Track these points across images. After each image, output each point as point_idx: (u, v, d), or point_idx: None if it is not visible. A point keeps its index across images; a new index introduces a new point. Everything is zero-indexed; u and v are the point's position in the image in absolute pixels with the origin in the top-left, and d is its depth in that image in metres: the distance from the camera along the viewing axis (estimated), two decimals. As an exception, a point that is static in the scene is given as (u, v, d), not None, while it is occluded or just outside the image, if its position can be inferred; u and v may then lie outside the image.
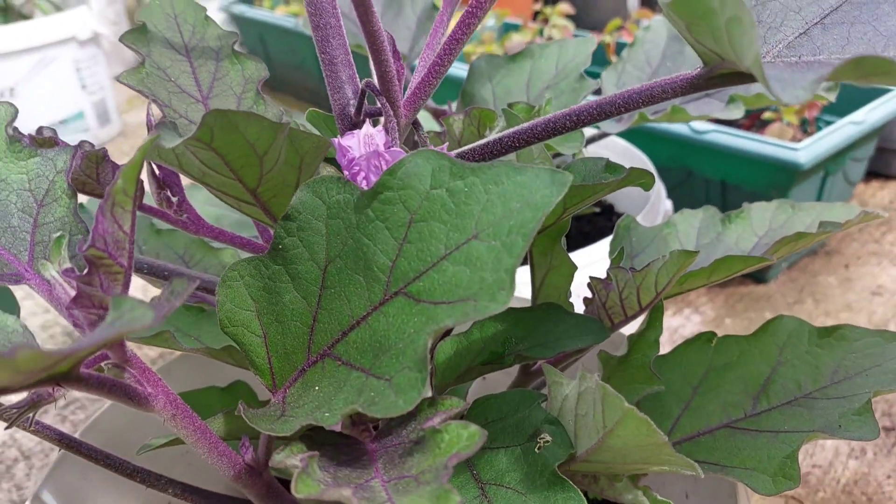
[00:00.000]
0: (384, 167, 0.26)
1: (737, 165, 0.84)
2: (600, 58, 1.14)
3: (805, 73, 0.17)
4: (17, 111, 0.26)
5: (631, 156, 0.71)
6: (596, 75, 0.63)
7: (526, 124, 0.27)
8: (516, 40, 1.11)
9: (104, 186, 0.29)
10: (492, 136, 0.28)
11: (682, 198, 0.90)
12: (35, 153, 0.26)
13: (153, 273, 0.33)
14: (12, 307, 0.32)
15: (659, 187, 0.64)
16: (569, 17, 1.22)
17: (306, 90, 1.58)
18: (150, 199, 0.35)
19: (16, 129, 0.26)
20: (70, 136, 1.45)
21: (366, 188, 0.26)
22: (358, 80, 0.32)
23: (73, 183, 0.27)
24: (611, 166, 0.31)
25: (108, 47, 1.63)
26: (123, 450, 0.35)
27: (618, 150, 0.75)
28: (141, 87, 0.33)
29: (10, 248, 0.25)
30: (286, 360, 0.28)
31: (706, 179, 0.88)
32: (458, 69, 1.06)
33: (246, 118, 0.24)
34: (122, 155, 1.44)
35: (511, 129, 0.28)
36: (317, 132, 0.41)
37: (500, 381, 0.42)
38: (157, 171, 0.31)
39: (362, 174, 0.26)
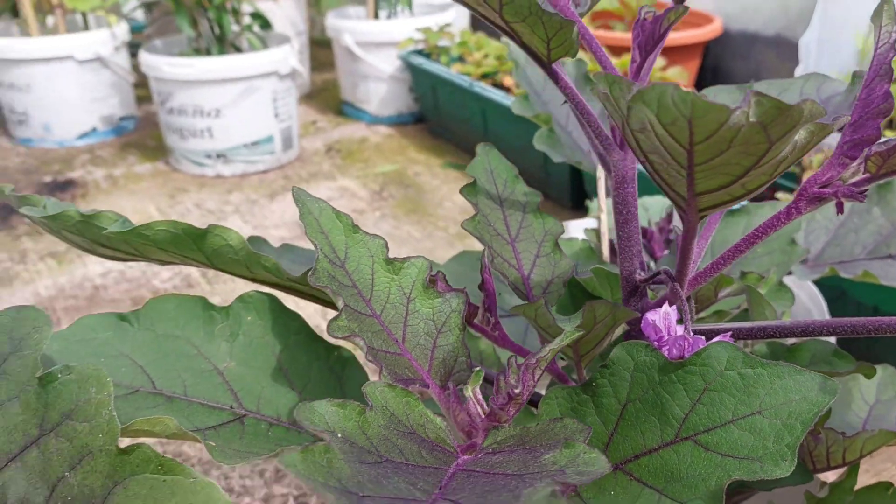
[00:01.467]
0: (686, 346, 0.36)
1: (892, 295, 0.89)
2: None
3: None
4: (430, 266, 0.38)
5: (800, 286, 0.78)
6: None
7: (788, 323, 0.36)
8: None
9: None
10: (759, 323, 0.38)
11: (832, 315, 0.96)
12: (439, 295, 0.37)
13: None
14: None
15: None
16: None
17: (467, 141, 1.72)
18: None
19: (430, 276, 0.37)
20: (259, 157, 1.63)
21: (667, 358, 0.36)
22: (643, 254, 0.42)
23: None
24: (838, 353, 0.39)
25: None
26: None
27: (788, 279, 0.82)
28: (476, 232, 0.44)
29: (417, 359, 0.36)
30: (581, 464, 0.38)
31: (858, 302, 0.93)
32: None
33: (604, 306, 0.34)
34: (300, 179, 1.61)
35: (774, 323, 0.37)
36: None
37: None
38: (486, 302, 0.42)
39: (667, 347, 0.36)
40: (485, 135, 1.61)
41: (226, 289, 1.17)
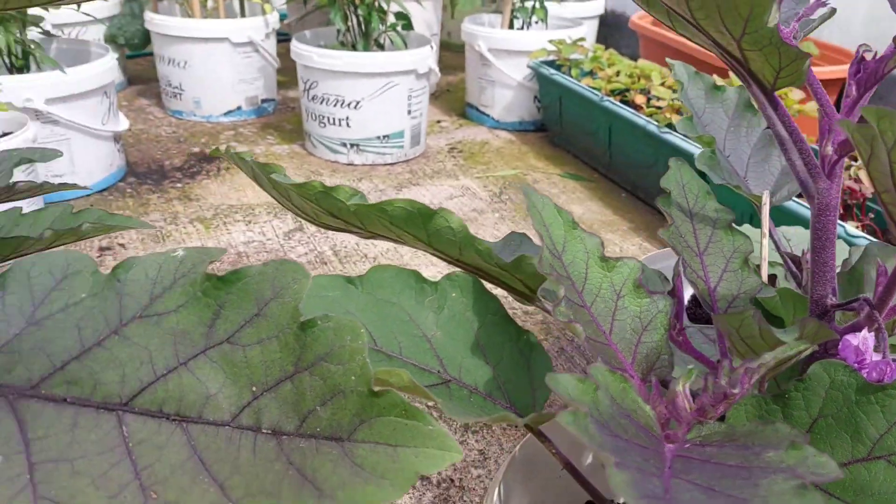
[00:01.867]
0: (888, 370, 0.38)
1: None
2: None
3: None
4: (641, 268, 0.41)
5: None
6: None
7: None
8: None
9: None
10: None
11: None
12: (647, 296, 0.40)
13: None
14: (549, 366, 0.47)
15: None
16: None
17: (589, 155, 1.73)
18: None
19: (640, 277, 0.41)
20: (389, 150, 1.70)
21: (866, 380, 0.38)
22: (835, 281, 0.44)
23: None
24: None
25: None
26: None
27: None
28: (670, 241, 0.47)
29: (622, 351, 0.40)
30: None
31: None
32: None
33: (812, 323, 0.37)
34: (424, 175, 1.67)
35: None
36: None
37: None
38: (675, 308, 0.45)
39: (866, 370, 0.38)
40: (608, 149, 1.63)
41: (355, 269, 1.24)
